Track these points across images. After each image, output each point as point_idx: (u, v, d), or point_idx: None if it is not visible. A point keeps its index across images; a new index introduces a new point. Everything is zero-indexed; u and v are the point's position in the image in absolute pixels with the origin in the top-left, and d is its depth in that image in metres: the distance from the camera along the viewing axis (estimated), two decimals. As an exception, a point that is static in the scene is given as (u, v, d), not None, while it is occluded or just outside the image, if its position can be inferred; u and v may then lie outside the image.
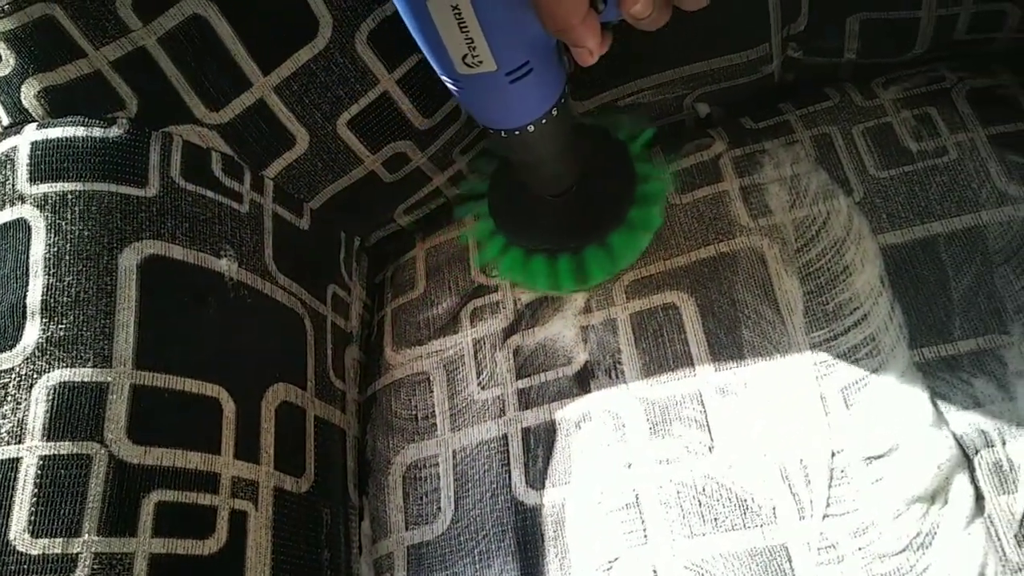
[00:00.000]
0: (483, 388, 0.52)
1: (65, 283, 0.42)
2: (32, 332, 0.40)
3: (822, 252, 0.48)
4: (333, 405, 0.53)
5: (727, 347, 0.47)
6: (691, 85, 0.54)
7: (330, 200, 0.56)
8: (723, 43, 0.51)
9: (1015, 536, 0.39)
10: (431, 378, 0.55)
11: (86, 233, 0.43)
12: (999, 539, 0.39)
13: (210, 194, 0.48)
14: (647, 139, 0.53)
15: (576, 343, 0.51)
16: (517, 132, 0.43)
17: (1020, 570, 0.38)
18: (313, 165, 0.52)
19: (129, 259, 0.43)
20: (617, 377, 0.49)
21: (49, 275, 0.42)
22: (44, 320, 0.41)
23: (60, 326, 0.41)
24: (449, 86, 0.40)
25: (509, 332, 0.53)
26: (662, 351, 0.49)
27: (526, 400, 0.51)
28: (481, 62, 0.36)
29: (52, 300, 0.41)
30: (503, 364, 0.53)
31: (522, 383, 0.51)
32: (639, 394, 0.48)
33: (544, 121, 0.42)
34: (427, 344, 0.56)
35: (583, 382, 0.50)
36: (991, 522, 0.40)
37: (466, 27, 0.34)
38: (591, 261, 0.51)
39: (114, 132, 0.46)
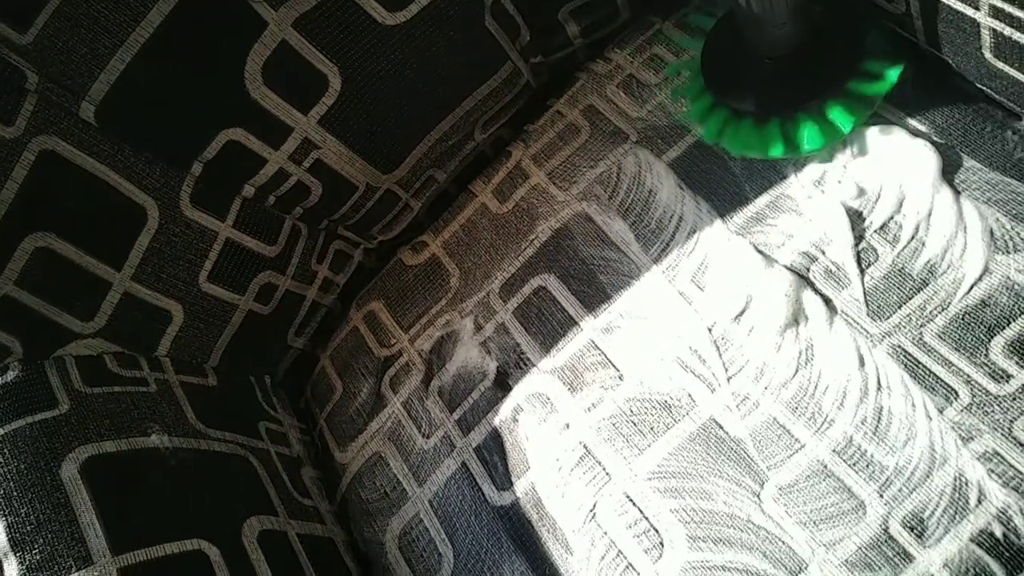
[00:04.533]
0: (427, 437, 0.57)
1: (23, 515, 0.45)
2: (12, 570, 0.43)
3: (628, 189, 0.57)
4: (311, 520, 0.57)
5: (594, 296, 0.55)
6: (473, 117, 0.63)
7: (225, 354, 0.60)
8: (473, 78, 0.60)
9: (867, 315, 0.47)
10: (383, 454, 0.59)
11: (23, 467, 0.46)
12: (857, 323, 0.47)
13: (117, 389, 0.52)
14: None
15: (483, 358, 0.57)
16: None
17: (885, 337, 0.46)
18: (196, 328, 0.58)
19: (70, 469, 0.47)
20: (526, 365, 0.55)
21: (6, 516, 0.45)
22: (18, 554, 0.43)
23: (34, 552, 0.44)
24: None
25: (427, 380, 0.59)
26: (550, 326, 0.55)
27: (466, 425, 0.56)
28: None
29: (18, 535, 0.44)
30: (435, 408, 0.58)
31: (457, 414, 0.57)
32: (548, 368, 0.54)
33: None
34: (366, 430, 0.61)
35: (503, 384, 0.56)
36: (846, 315, 0.48)
37: None
38: (803, 128, 0.50)
39: (11, 376, 0.50)
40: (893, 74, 0.50)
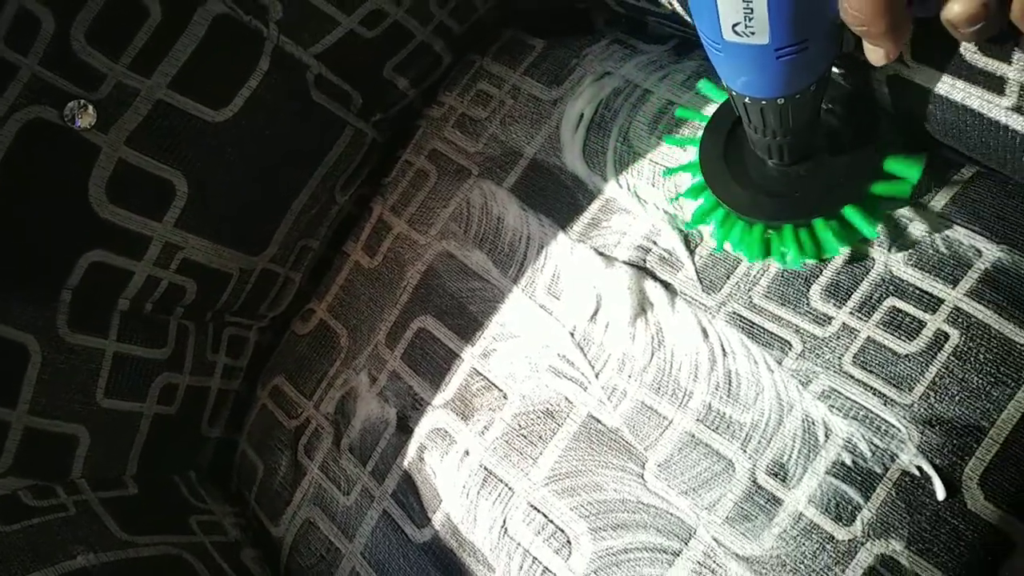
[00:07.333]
0: (348, 494, 0.60)
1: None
2: None
3: (479, 220, 0.60)
4: (256, 600, 0.59)
5: (468, 325, 0.58)
6: (329, 184, 0.66)
7: (141, 461, 0.62)
8: (317, 149, 0.63)
9: (702, 291, 0.51)
10: (312, 520, 0.61)
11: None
12: (695, 299, 0.51)
13: (36, 520, 0.54)
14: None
15: (382, 407, 0.60)
16: (764, 101, 0.38)
17: (720, 307, 0.50)
18: (105, 445, 0.59)
19: (-1, 611, 0.49)
20: (421, 405, 0.58)
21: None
22: None
23: None
24: (705, 43, 0.37)
25: (337, 440, 0.62)
26: (435, 363, 0.59)
27: (379, 474, 0.59)
28: (753, 33, 0.33)
29: None
30: (349, 465, 0.61)
31: (369, 466, 0.60)
32: (440, 403, 0.57)
33: (798, 96, 0.38)
34: (292, 500, 0.63)
35: (405, 428, 0.59)
36: (684, 294, 0.52)
37: None
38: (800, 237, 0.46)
39: (-75, 536, 0.51)
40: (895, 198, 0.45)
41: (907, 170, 0.44)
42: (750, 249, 0.47)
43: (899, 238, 0.47)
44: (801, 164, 0.45)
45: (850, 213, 0.44)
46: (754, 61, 0.35)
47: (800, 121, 0.40)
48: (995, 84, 0.38)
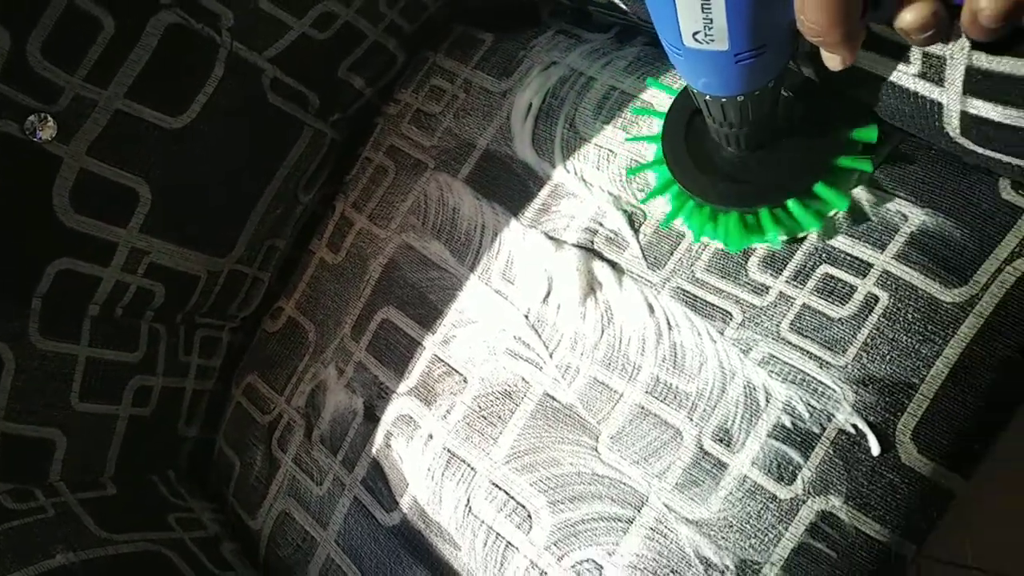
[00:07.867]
0: (320, 484, 0.62)
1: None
2: None
3: (436, 212, 0.62)
4: (236, 592, 0.61)
5: (428, 314, 0.60)
6: (291, 184, 0.68)
7: (119, 461, 0.64)
8: (276, 151, 0.65)
9: (648, 268, 0.53)
10: (288, 511, 0.63)
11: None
12: (641, 277, 0.53)
13: (16, 523, 0.56)
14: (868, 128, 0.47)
15: (350, 398, 0.62)
16: (724, 99, 0.40)
17: (665, 282, 0.52)
18: (82, 448, 0.61)
19: (-19, 608, 0.50)
20: (387, 394, 0.60)
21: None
22: None
23: None
24: (666, 47, 0.38)
25: (309, 433, 0.63)
26: (398, 353, 0.60)
27: (350, 462, 0.61)
28: (713, 41, 0.35)
29: None
30: (321, 456, 0.62)
31: (340, 455, 0.61)
32: (404, 390, 0.59)
33: (757, 93, 0.40)
34: (268, 493, 0.65)
35: (372, 418, 0.60)
36: (631, 272, 0.53)
37: (709, 7, 0.33)
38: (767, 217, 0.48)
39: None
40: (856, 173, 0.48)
41: (866, 136, 0.46)
42: (734, 239, 0.48)
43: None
44: (763, 150, 0.47)
45: (820, 189, 0.46)
46: (714, 65, 0.37)
47: (759, 113, 0.42)
48: (900, 53, 0.40)
